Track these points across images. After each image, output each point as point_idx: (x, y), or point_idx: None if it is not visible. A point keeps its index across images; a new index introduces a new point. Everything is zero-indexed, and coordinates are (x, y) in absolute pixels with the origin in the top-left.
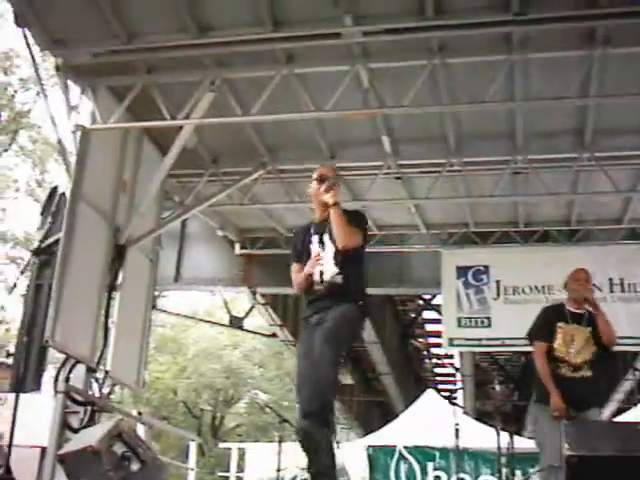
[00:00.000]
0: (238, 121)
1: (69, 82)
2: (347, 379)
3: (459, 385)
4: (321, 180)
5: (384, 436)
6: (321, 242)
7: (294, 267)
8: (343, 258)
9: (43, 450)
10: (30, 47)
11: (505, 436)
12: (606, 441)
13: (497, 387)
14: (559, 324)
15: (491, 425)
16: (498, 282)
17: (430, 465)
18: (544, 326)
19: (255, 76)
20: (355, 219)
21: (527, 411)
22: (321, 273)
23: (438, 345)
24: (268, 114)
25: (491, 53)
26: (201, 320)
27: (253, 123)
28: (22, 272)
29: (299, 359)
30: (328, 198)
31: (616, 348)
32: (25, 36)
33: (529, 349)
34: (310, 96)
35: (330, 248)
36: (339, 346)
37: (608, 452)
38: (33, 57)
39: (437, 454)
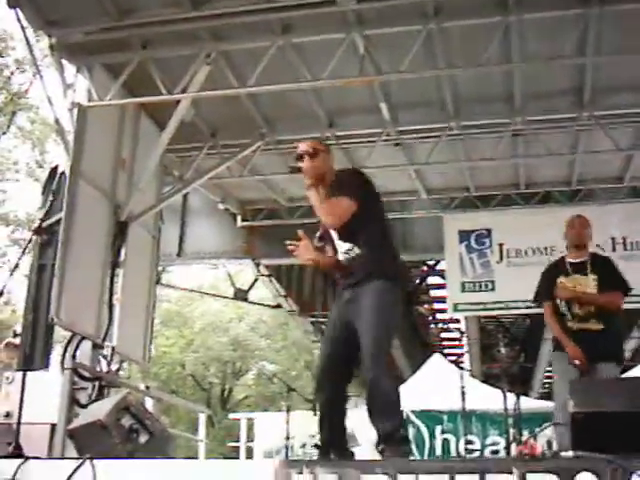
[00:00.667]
0: (235, 93)
1: (64, 61)
2: None
3: (465, 349)
4: (299, 158)
5: None
6: None
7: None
8: (346, 231)
9: (53, 427)
10: (23, 28)
11: (512, 397)
12: (613, 397)
13: (503, 350)
14: (560, 279)
15: (498, 387)
16: (501, 245)
17: (438, 428)
18: (546, 286)
19: (251, 47)
20: (341, 185)
21: (533, 372)
22: (334, 250)
23: (443, 310)
24: (265, 85)
25: (486, 15)
26: (206, 293)
27: (250, 95)
28: (24, 252)
29: (332, 328)
30: (306, 181)
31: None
32: (18, 17)
33: (534, 311)
34: (307, 66)
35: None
36: (384, 322)
37: (615, 408)
38: (27, 38)
39: (445, 417)
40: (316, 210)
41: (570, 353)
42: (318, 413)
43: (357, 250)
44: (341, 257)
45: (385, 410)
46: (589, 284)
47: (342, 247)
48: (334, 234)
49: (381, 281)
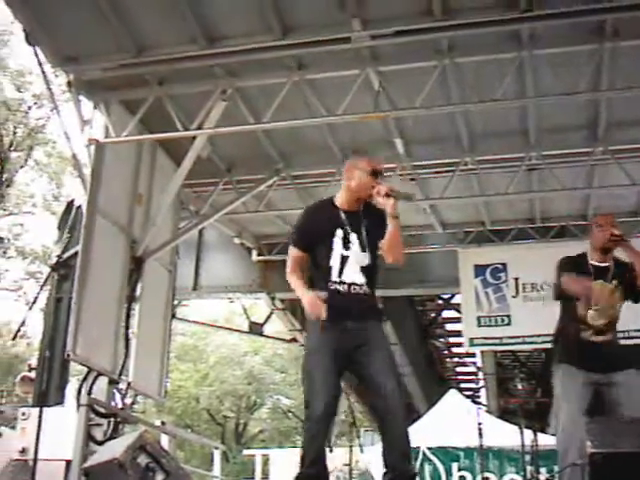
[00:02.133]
0: (251, 129)
1: (81, 97)
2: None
3: (481, 384)
4: (375, 174)
5: None
6: (345, 239)
7: (294, 252)
8: (371, 267)
9: (68, 463)
10: (41, 64)
11: (529, 434)
12: (632, 437)
13: (519, 384)
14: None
15: (514, 423)
16: (516, 279)
17: (455, 465)
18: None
19: (266, 84)
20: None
21: (550, 407)
22: (340, 273)
23: (459, 344)
24: (280, 121)
25: (500, 51)
26: (221, 327)
27: (266, 130)
28: (42, 286)
29: (325, 356)
30: (389, 205)
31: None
32: (36, 53)
33: (548, 345)
34: (321, 101)
35: (357, 251)
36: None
37: (633, 448)
38: (45, 74)
39: (461, 454)
40: (394, 240)
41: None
42: (309, 454)
43: (367, 289)
44: (342, 287)
45: (409, 452)
46: (609, 291)
47: (355, 275)
48: (357, 257)
49: (382, 323)
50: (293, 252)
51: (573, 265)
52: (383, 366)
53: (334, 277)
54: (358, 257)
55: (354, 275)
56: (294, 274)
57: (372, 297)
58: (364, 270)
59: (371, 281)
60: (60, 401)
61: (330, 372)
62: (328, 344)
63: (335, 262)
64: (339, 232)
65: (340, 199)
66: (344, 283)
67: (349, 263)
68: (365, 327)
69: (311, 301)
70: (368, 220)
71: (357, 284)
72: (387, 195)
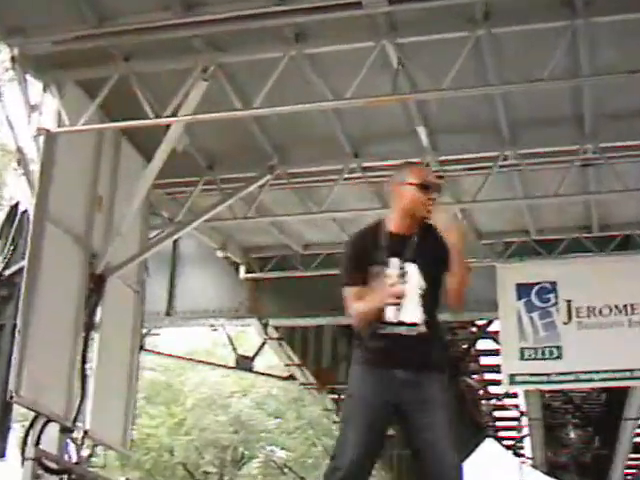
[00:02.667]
0: (238, 116)
1: (28, 76)
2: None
3: (525, 431)
4: (425, 188)
5: None
6: (402, 269)
7: (353, 291)
8: (433, 301)
9: None
10: None
11: None
12: None
13: (572, 433)
14: None
15: None
16: (569, 302)
17: None
18: None
19: (257, 59)
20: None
21: (611, 461)
22: (397, 311)
23: (497, 382)
24: (274, 106)
25: (549, 19)
26: (201, 362)
27: (257, 118)
28: None
29: (366, 408)
30: (453, 235)
31: None
32: None
33: (611, 384)
34: (326, 82)
35: (417, 282)
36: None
37: None
38: None
39: None
40: (459, 283)
41: None
42: None
43: (431, 330)
44: (402, 328)
45: None
46: None
47: (414, 312)
48: (415, 289)
49: (443, 375)
50: (350, 292)
51: None
52: (439, 427)
53: (389, 316)
54: (416, 291)
55: (412, 313)
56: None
57: (433, 340)
58: (424, 307)
59: (432, 319)
60: (1, 454)
61: (367, 425)
62: (372, 393)
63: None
64: (394, 262)
65: (391, 221)
66: (402, 324)
67: (408, 299)
68: (421, 380)
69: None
70: (426, 245)
71: (415, 324)
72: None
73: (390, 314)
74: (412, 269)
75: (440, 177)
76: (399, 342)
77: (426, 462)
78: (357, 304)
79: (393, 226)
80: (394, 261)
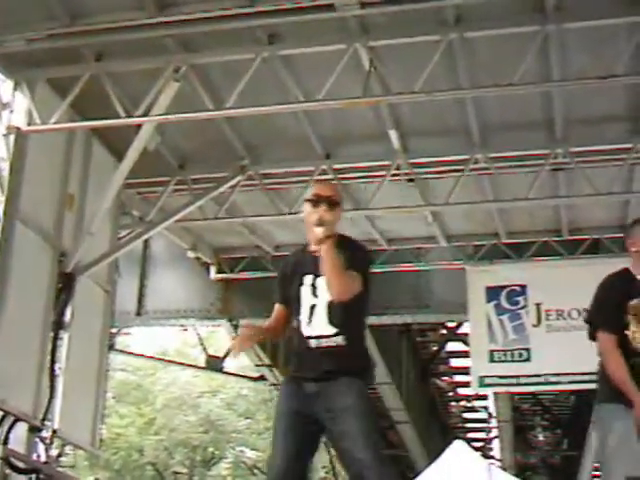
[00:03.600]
0: (210, 116)
1: None
2: None
3: (494, 433)
4: (316, 202)
5: None
6: (313, 286)
7: (277, 307)
8: (341, 311)
9: None
10: None
11: None
12: None
13: (541, 435)
14: (632, 303)
15: None
16: (538, 305)
17: None
18: (611, 307)
19: (229, 60)
20: (355, 258)
21: (580, 463)
22: (309, 326)
23: (467, 385)
24: (247, 107)
25: (520, 24)
26: (171, 362)
27: (229, 118)
28: None
29: (283, 418)
30: (318, 231)
31: None
32: None
33: (580, 387)
34: (298, 83)
35: (324, 297)
36: (377, 430)
37: None
38: None
39: None
40: (327, 271)
41: (638, 410)
42: None
43: (340, 340)
44: (312, 341)
45: None
46: None
47: (323, 325)
48: (323, 303)
49: (357, 382)
50: (275, 308)
51: (619, 288)
52: (348, 435)
53: (303, 331)
54: (324, 304)
55: (322, 326)
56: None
57: (347, 348)
58: (334, 318)
59: (347, 329)
60: None
61: (287, 440)
62: (287, 408)
63: (304, 314)
64: (307, 279)
65: (310, 240)
66: (311, 337)
67: (316, 312)
68: (328, 391)
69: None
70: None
71: (325, 336)
72: (319, 223)
73: (302, 329)
74: (322, 284)
75: (411, 180)
76: (308, 355)
77: (347, 469)
78: (275, 320)
79: (312, 244)
80: (308, 278)
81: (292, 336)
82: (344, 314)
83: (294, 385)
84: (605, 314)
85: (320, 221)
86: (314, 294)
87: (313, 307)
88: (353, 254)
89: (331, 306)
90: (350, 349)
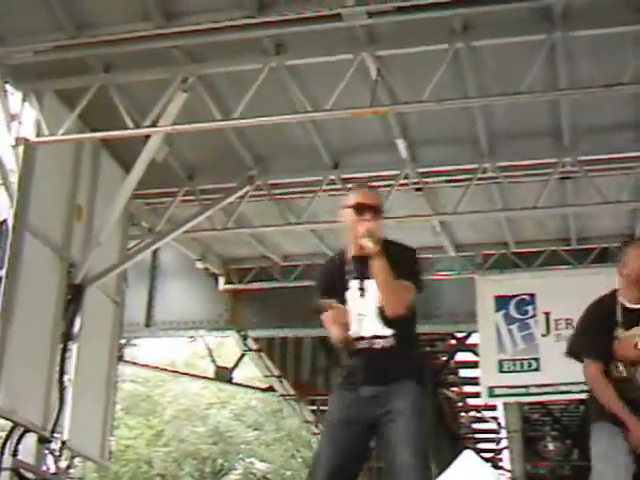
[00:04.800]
0: (218, 127)
1: (8, 86)
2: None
3: (504, 444)
4: (359, 210)
5: None
6: (361, 289)
7: (324, 316)
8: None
9: None
10: None
11: None
12: None
13: (551, 444)
14: (617, 333)
15: None
16: (547, 314)
17: None
18: (595, 335)
19: (237, 71)
20: (406, 264)
21: (589, 474)
22: (358, 327)
23: (476, 395)
24: (254, 117)
25: (527, 32)
26: (180, 373)
27: (236, 129)
28: None
29: (331, 428)
30: (368, 244)
31: None
32: None
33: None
34: (305, 93)
35: (374, 298)
36: (424, 433)
37: None
38: None
39: None
40: (381, 287)
41: (635, 434)
42: None
43: (394, 341)
44: (365, 343)
45: None
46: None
47: (375, 326)
48: (374, 304)
49: (415, 384)
50: (323, 318)
51: (602, 317)
52: (402, 437)
53: (354, 334)
54: (374, 306)
55: (375, 328)
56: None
57: (399, 351)
58: (385, 320)
59: (401, 332)
60: None
61: (338, 449)
62: (339, 419)
63: (355, 317)
64: (354, 283)
65: (349, 245)
66: (363, 338)
67: (367, 316)
68: (385, 394)
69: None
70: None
71: (379, 337)
72: (367, 233)
73: (352, 332)
74: (371, 286)
75: (419, 189)
76: (362, 357)
77: (392, 472)
78: (329, 328)
79: (353, 249)
80: (354, 283)
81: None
82: (401, 317)
83: (347, 392)
84: (588, 342)
85: (369, 234)
86: (363, 297)
87: (361, 312)
88: (403, 260)
89: (383, 309)
90: (404, 349)
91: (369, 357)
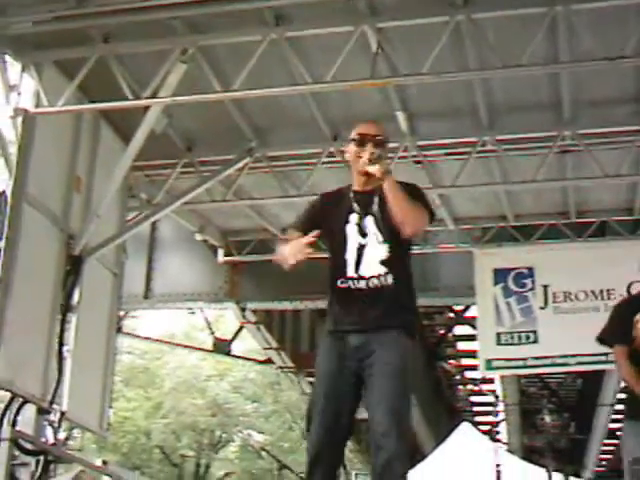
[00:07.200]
0: (217, 98)
1: (7, 57)
2: (361, 412)
3: (501, 416)
4: (361, 142)
5: None
6: (359, 226)
7: (290, 233)
8: (393, 252)
9: None
10: None
11: (559, 478)
12: None
13: (548, 417)
14: (637, 317)
15: (541, 465)
16: (545, 287)
17: None
18: (619, 323)
19: (237, 42)
20: (416, 194)
21: (586, 446)
22: (357, 266)
23: (474, 368)
24: (254, 89)
25: (528, 5)
26: (178, 345)
27: (236, 100)
28: None
29: (324, 378)
30: (373, 169)
31: None
32: None
33: (587, 368)
34: (306, 65)
35: (374, 236)
36: (408, 392)
37: None
38: None
39: None
40: (396, 204)
41: None
42: None
43: (390, 279)
44: (361, 282)
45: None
46: None
47: (374, 265)
48: (374, 243)
49: (404, 337)
50: (288, 234)
51: (627, 307)
52: (378, 394)
53: (350, 272)
54: (375, 244)
55: (372, 266)
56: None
57: (397, 288)
58: (385, 259)
59: (397, 271)
60: None
61: (330, 394)
62: (329, 369)
63: (351, 254)
64: (353, 217)
65: (354, 180)
66: (361, 278)
67: (366, 252)
68: (374, 342)
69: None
70: (386, 200)
71: (375, 276)
72: (370, 161)
73: (349, 268)
74: (370, 223)
75: (418, 162)
76: (354, 301)
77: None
78: (281, 246)
79: (356, 185)
80: (353, 217)
81: (333, 279)
82: (395, 254)
83: (335, 340)
84: (614, 330)
85: (373, 158)
86: (361, 234)
87: (362, 247)
88: (411, 189)
89: (387, 248)
90: (400, 290)
91: (361, 300)
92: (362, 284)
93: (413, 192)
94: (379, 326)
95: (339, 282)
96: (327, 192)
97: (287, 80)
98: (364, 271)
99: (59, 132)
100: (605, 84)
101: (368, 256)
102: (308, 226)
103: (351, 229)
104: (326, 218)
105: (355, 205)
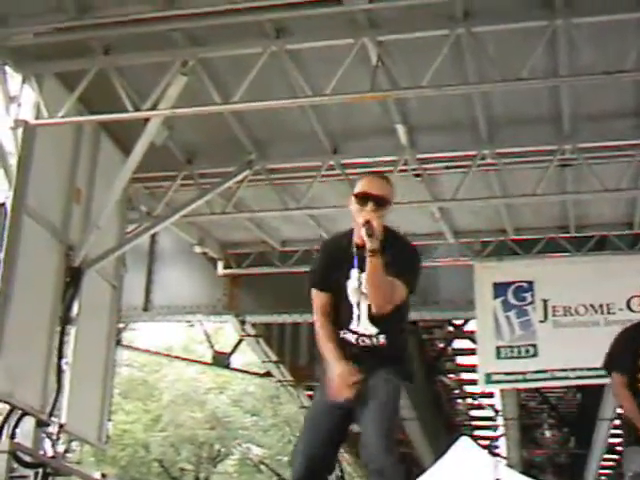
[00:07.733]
0: (217, 110)
1: (7, 68)
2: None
3: (500, 431)
4: (362, 199)
5: None
6: (359, 280)
7: (316, 295)
8: (385, 314)
9: None
10: None
11: None
12: None
13: (548, 432)
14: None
15: None
16: (545, 301)
17: None
18: (622, 351)
19: (237, 54)
20: (402, 261)
21: (586, 461)
22: (354, 322)
23: (473, 382)
24: (254, 101)
25: (528, 19)
26: (177, 358)
27: (236, 112)
28: None
29: (316, 413)
30: (366, 241)
31: None
32: None
33: (587, 382)
34: (306, 78)
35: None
36: (396, 416)
37: None
38: None
39: None
40: (370, 284)
41: None
42: None
43: (382, 339)
44: (352, 337)
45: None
46: None
47: (364, 327)
48: (363, 309)
49: (395, 379)
50: (314, 295)
51: (633, 333)
52: (372, 418)
53: (347, 326)
54: (365, 303)
55: (365, 324)
56: (323, 327)
57: (388, 348)
58: (376, 318)
59: (390, 329)
60: None
61: (319, 430)
62: (323, 401)
63: (349, 310)
64: (354, 273)
65: (355, 232)
66: (357, 334)
67: (363, 311)
68: (367, 378)
69: (339, 379)
70: (384, 256)
71: (367, 335)
72: (368, 233)
73: (347, 323)
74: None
75: (418, 175)
76: (351, 349)
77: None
78: (324, 344)
79: (357, 237)
80: (354, 272)
81: (334, 324)
82: (392, 314)
83: (323, 375)
84: (615, 358)
85: (367, 228)
86: (360, 290)
87: (359, 304)
88: (405, 258)
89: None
90: (391, 349)
91: (357, 351)
92: (357, 340)
93: (401, 259)
94: (370, 369)
95: (338, 330)
96: (331, 241)
97: (287, 92)
98: (360, 328)
99: (59, 144)
100: (605, 98)
101: (364, 315)
102: (327, 285)
103: (351, 285)
104: (333, 272)
105: (354, 260)
